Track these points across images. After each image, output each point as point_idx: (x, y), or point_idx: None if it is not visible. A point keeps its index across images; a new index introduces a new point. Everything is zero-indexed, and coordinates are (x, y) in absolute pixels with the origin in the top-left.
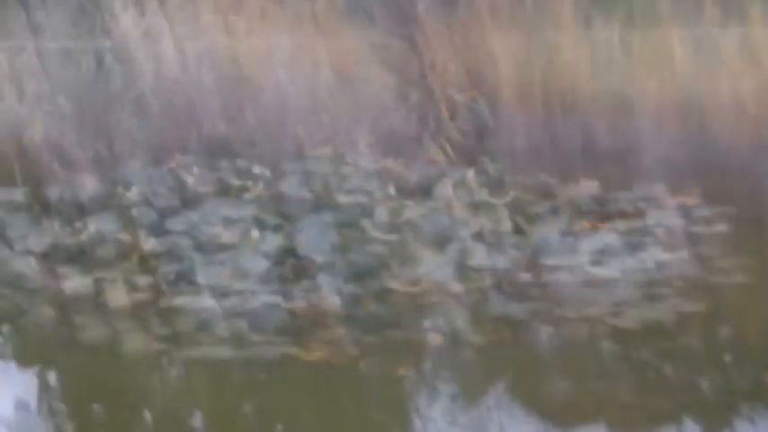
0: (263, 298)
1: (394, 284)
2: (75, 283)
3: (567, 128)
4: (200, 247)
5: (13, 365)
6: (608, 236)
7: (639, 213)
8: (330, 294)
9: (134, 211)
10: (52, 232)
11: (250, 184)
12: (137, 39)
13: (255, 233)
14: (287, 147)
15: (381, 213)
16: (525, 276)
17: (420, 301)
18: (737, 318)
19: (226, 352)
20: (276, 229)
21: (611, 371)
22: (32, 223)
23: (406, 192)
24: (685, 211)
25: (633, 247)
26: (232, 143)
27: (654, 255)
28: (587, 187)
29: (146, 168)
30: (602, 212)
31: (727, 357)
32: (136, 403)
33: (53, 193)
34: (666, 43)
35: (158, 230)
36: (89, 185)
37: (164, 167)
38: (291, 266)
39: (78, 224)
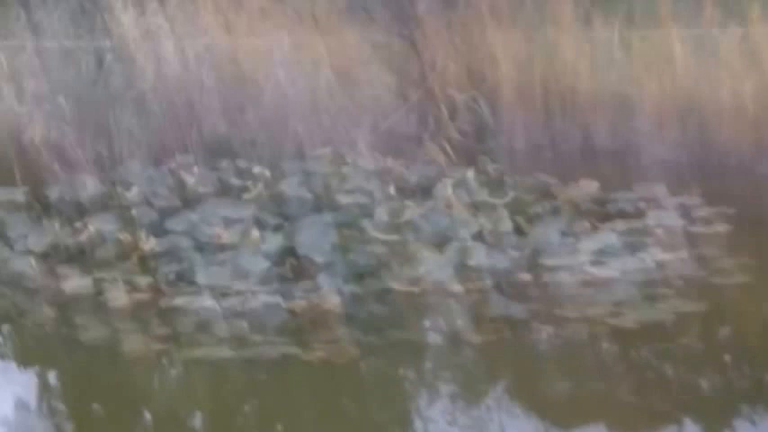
0: (263, 298)
1: (394, 284)
2: (75, 283)
3: (566, 128)
4: (200, 247)
5: (13, 365)
6: (608, 236)
7: (639, 213)
8: (330, 294)
9: (134, 211)
10: (52, 232)
11: (250, 184)
12: (137, 38)
13: (255, 233)
14: (287, 147)
15: (381, 213)
16: (525, 276)
17: (420, 301)
18: (737, 318)
19: (226, 352)
20: (276, 229)
21: (611, 371)
22: (32, 223)
23: (406, 192)
24: (685, 211)
25: (633, 247)
26: (232, 143)
27: (654, 255)
28: (587, 187)
29: (146, 168)
30: (602, 212)
31: (727, 357)
32: (136, 403)
33: (53, 193)
34: (666, 43)
35: (158, 230)
36: (89, 185)
37: (164, 167)
38: (291, 266)
39: (78, 224)
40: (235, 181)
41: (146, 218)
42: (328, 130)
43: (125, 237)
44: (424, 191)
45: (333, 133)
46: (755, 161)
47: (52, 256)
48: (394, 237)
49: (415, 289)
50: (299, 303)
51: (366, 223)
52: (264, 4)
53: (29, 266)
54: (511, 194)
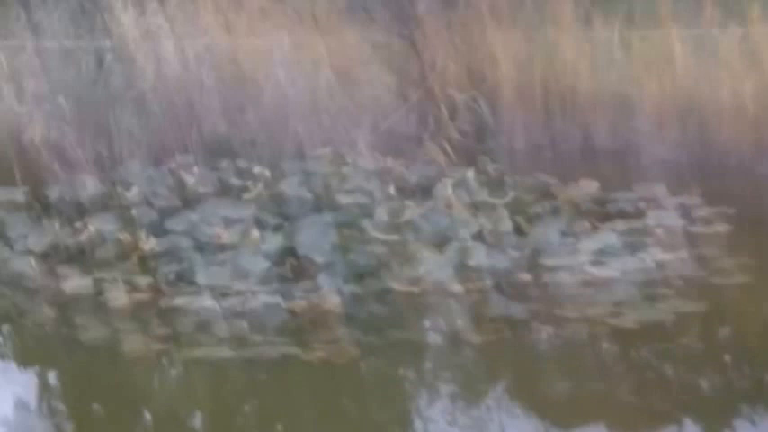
0: (263, 298)
1: (394, 284)
2: (75, 283)
3: (566, 128)
4: (200, 247)
5: (13, 365)
6: (608, 236)
7: (639, 213)
8: (330, 294)
9: (134, 211)
10: (52, 232)
11: (250, 184)
12: (137, 38)
13: (255, 233)
14: (287, 147)
15: (381, 213)
16: (525, 276)
17: (420, 301)
18: (737, 318)
19: (226, 352)
20: (276, 229)
21: (611, 371)
22: (32, 223)
23: (406, 192)
24: (685, 211)
25: (633, 247)
26: (232, 143)
27: (654, 255)
28: (587, 187)
29: (146, 168)
30: (602, 212)
31: (727, 357)
32: (136, 403)
33: (53, 193)
34: (666, 43)
35: (158, 230)
36: (89, 185)
37: (164, 167)
38: (291, 266)
39: (78, 224)
40: (235, 181)
41: (146, 218)
42: (328, 130)
43: (125, 237)
44: (424, 191)
45: (333, 133)
46: (755, 161)
47: (52, 256)
48: (394, 237)
49: (415, 289)
50: (299, 303)
51: (366, 223)
52: (264, 4)
53: (29, 266)
54: (511, 194)
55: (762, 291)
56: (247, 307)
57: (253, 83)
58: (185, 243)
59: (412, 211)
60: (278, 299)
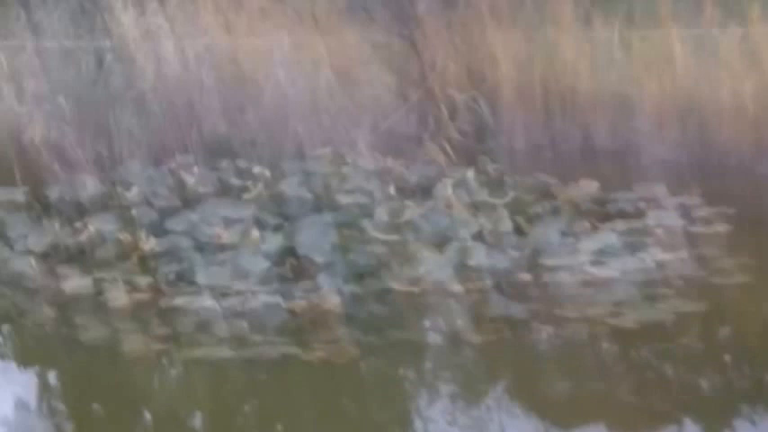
0: (263, 298)
1: (394, 284)
2: (75, 283)
3: (566, 128)
4: (200, 247)
5: (13, 365)
6: (608, 236)
7: (639, 213)
8: (330, 294)
9: (134, 211)
10: (52, 232)
11: (250, 184)
12: (137, 38)
13: (255, 233)
14: (287, 147)
15: (381, 213)
16: (525, 276)
17: (420, 301)
18: (737, 318)
19: (226, 352)
20: (276, 229)
21: (611, 371)
22: (32, 223)
23: (406, 192)
24: (685, 211)
25: (633, 247)
26: (232, 143)
27: (654, 255)
28: (587, 187)
29: (146, 168)
30: (602, 212)
31: (727, 357)
32: (136, 403)
33: (53, 193)
34: (666, 43)
35: (158, 230)
36: (89, 185)
37: (164, 167)
38: (291, 266)
39: (78, 224)
40: (235, 181)
41: (146, 218)
42: (328, 130)
43: (125, 237)
44: (424, 191)
45: (333, 133)
46: (755, 161)
47: (52, 256)
48: (394, 237)
49: (415, 289)
50: (299, 303)
51: (366, 223)
52: (264, 4)
53: (29, 266)
54: (511, 194)
55: (762, 291)
56: (247, 307)
57: (253, 83)
58: (185, 243)
59: (412, 211)
60: (278, 299)
